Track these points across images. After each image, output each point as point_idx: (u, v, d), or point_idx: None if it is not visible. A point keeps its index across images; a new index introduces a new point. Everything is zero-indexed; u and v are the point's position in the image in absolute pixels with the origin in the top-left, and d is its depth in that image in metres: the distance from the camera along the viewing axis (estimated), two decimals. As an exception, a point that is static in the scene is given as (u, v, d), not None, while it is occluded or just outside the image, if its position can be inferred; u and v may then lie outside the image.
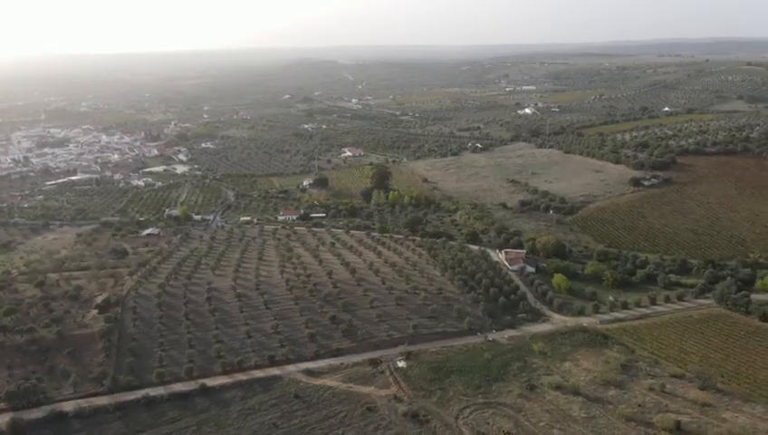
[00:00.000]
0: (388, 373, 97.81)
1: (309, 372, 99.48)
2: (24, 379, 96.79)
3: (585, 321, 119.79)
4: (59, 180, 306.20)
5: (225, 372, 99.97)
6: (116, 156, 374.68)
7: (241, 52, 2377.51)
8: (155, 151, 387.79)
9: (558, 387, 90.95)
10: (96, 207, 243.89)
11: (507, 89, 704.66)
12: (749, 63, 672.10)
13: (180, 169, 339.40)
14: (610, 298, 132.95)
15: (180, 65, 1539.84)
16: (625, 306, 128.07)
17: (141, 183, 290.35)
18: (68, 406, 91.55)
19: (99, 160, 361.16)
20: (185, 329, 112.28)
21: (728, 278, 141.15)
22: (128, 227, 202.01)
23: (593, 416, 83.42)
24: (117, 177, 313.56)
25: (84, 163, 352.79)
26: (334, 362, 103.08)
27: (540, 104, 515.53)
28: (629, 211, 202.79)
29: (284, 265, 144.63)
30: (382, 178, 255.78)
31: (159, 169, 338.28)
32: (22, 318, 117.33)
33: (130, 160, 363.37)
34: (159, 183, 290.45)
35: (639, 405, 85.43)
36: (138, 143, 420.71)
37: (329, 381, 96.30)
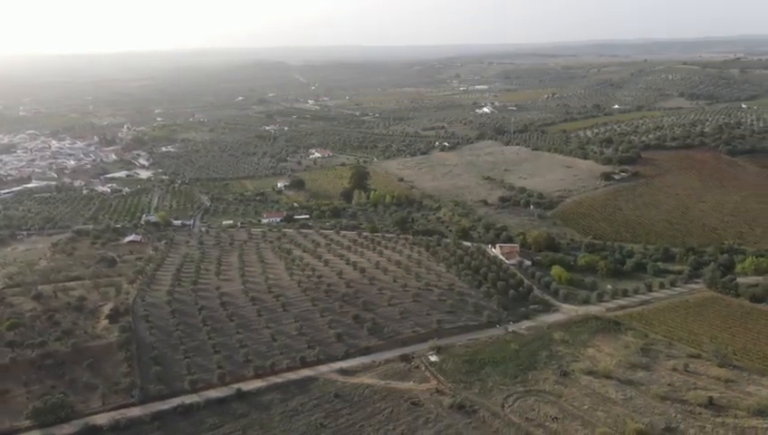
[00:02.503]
0: (423, 368, 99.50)
1: (343, 372, 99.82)
2: (45, 394, 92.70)
3: (592, 309, 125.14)
4: (14, 188, 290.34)
5: (257, 376, 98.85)
6: (72, 162, 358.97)
7: (184, 53, 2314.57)
8: (113, 156, 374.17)
9: (589, 372, 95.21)
10: (63, 215, 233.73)
11: (461, 88, 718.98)
12: (685, 63, 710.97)
13: (144, 173, 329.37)
14: (609, 287, 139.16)
15: (119, 67, 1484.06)
16: (625, 294, 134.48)
17: (107, 189, 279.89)
18: (100, 419, 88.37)
19: (54, 167, 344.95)
20: (205, 335, 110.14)
21: (711, 264, 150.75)
22: (106, 235, 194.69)
23: (630, 397, 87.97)
24: (77, 183, 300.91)
25: (38, 170, 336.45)
26: (366, 360, 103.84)
27: (497, 103, 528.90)
28: (605, 204, 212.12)
29: (291, 267, 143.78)
30: (361, 179, 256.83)
31: (121, 174, 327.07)
32: (26, 332, 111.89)
33: (88, 166, 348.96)
34: (126, 189, 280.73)
35: (669, 385, 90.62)
36: (92, 148, 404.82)
37: (366, 380, 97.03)
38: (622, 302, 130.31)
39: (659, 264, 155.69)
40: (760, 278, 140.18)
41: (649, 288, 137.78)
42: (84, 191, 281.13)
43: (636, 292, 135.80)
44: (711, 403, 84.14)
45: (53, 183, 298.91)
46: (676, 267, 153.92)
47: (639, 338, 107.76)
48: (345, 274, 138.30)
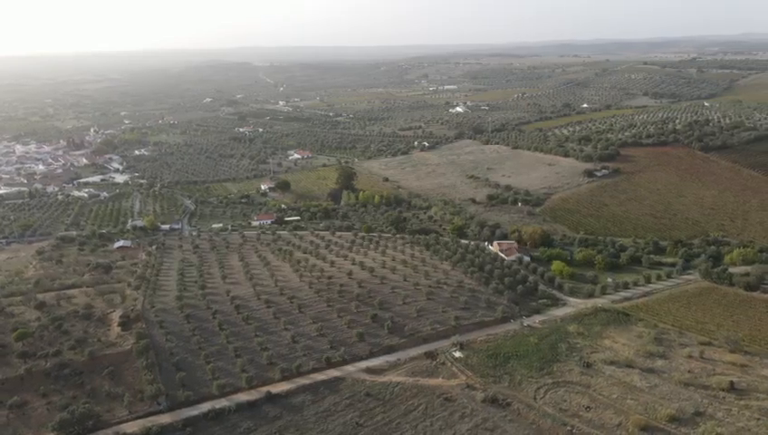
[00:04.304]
0: (449, 364, 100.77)
1: (370, 371, 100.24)
2: (67, 405, 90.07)
3: (599, 302, 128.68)
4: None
5: (284, 378, 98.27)
6: (41, 166, 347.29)
7: (139, 54, 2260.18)
8: (84, 160, 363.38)
9: (611, 362, 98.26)
10: (42, 221, 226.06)
11: (431, 88, 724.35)
12: (645, 63, 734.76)
13: (119, 177, 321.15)
14: (609, 280, 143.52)
15: (74, 68, 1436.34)
16: (626, 286, 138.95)
17: (84, 194, 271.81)
18: (129, 428, 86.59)
19: (22, 172, 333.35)
20: (224, 339, 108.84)
21: (702, 256, 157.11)
22: (93, 241, 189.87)
23: (655, 385, 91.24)
24: (50, 189, 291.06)
25: (5, 175, 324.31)
26: (390, 358, 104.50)
27: (469, 103, 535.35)
28: (591, 200, 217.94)
29: (298, 268, 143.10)
30: (348, 179, 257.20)
31: (96, 178, 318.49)
32: (36, 342, 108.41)
33: (60, 171, 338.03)
34: (104, 193, 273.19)
35: (689, 372, 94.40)
36: (60, 152, 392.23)
37: (394, 378, 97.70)
38: (625, 294, 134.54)
39: (652, 256, 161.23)
40: (749, 268, 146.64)
41: (648, 280, 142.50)
42: (59, 196, 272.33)
43: (636, 284, 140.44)
44: (732, 388, 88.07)
45: (24, 189, 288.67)
46: (668, 259, 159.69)
47: (650, 328, 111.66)
48: (354, 274, 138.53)
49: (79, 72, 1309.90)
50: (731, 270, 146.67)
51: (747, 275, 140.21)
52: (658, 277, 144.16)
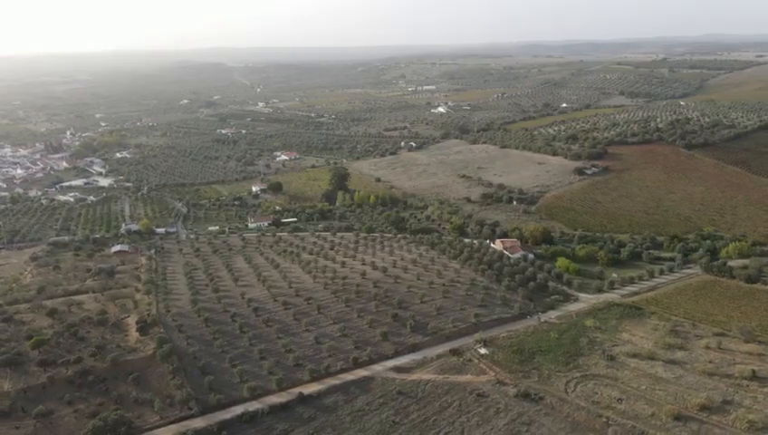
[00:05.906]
0: (476, 361, 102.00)
1: (398, 370, 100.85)
2: (96, 413, 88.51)
3: (609, 297, 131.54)
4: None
5: (314, 379, 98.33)
6: (19, 171, 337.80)
7: (101, 55, 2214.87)
8: (64, 164, 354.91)
9: (633, 355, 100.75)
10: (30, 227, 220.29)
11: (410, 89, 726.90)
12: (619, 63, 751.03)
13: (103, 181, 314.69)
14: (614, 275, 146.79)
15: (38, 70, 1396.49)
16: (632, 281, 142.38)
17: (71, 198, 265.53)
18: (164, 433, 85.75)
19: (0, 177, 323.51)
20: (247, 342, 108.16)
21: (700, 250, 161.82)
22: (88, 246, 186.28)
23: (680, 375, 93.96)
24: (33, 193, 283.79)
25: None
26: (416, 356, 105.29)
27: (450, 103, 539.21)
28: (584, 198, 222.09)
29: (311, 270, 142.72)
30: (341, 180, 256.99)
31: (78, 182, 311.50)
32: (52, 350, 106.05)
33: (40, 175, 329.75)
34: (91, 197, 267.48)
35: (710, 362, 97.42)
36: (38, 156, 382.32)
37: (423, 375, 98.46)
38: (632, 288, 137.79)
39: (651, 252, 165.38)
40: (746, 261, 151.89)
41: (652, 275, 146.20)
42: (43, 201, 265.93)
43: (641, 279, 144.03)
44: (754, 376, 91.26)
45: (5, 194, 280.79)
46: (666, 254, 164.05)
47: (664, 321, 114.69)
48: (368, 274, 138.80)
49: (43, 73, 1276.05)
50: (731, 263, 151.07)
51: (746, 268, 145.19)
52: (661, 272, 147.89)
